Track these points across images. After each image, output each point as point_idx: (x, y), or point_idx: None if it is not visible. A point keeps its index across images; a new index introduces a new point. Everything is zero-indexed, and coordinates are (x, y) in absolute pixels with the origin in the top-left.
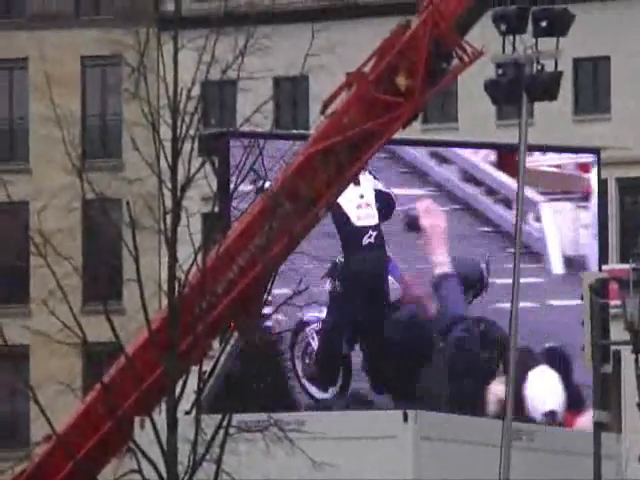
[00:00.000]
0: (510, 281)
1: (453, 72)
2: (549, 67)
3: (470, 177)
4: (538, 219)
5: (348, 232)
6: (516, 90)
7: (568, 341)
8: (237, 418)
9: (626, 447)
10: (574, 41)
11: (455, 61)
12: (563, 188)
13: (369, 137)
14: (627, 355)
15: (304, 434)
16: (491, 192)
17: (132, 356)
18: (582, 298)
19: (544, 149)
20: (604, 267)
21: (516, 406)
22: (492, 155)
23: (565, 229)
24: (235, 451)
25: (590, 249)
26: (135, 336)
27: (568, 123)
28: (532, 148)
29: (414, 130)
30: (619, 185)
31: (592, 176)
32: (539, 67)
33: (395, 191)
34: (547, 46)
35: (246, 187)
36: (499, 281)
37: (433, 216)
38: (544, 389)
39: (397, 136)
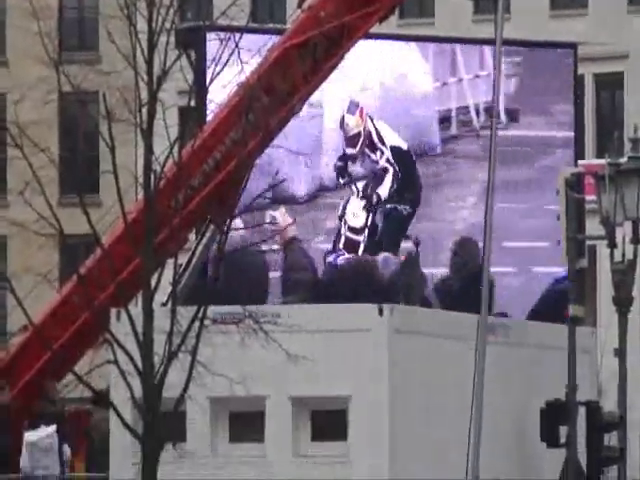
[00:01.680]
0: None
1: None
2: None
3: None
4: None
5: None
6: None
7: None
8: (212, 310)
9: (601, 341)
10: None
11: None
12: None
13: (346, 31)
14: (602, 250)
15: (279, 326)
16: None
17: (108, 248)
18: (558, 193)
19: (520, 44)
20: (580, 162)
21: None
22: None
23: None
24: (210, 342)
25: None
26: (111, 228)
27: (545, 18)
28: (508, 43)
29: (391, 25)
30: (596, 80)
31: None
32: None
33: None
34: None
35: (222, 80)
36: None
37: None
38: None
39: (374, 30)
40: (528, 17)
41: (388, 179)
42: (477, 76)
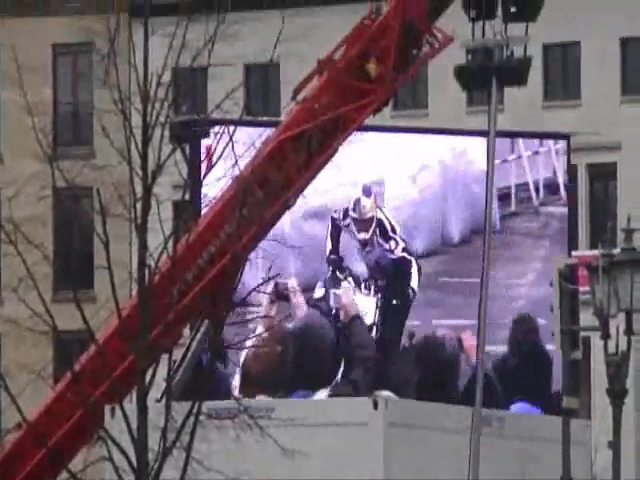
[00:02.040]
0: None
1: (424, 58)
2: (519, 53)
3: None
4: None
5: None
6: (486, 76)
7: None
8: (207, 405)
9: (595, 433)
10: (544, 26)
11: (425, 47)
12: None
13: (340, 123)
14: (596, 341)
15: (274, 421)
16: None
17: (102, 344)
18: (552, 284)
19: (514, 135)
20: (574, 253)
21: None
22: None
23: None
24: (205, 438)
25: None
26: (106, 324)
27: (538, 109)
28: (502, 134)
29: (385, 116)
30: (589, 171)
31: None
32: (509, 53)
33: None
34: (517, 32)
35: (217, 174)
36: None
37: None
38: None
39: (368, 122)
40: (521, 108)
41: (414, 270)
42: (536, 152)
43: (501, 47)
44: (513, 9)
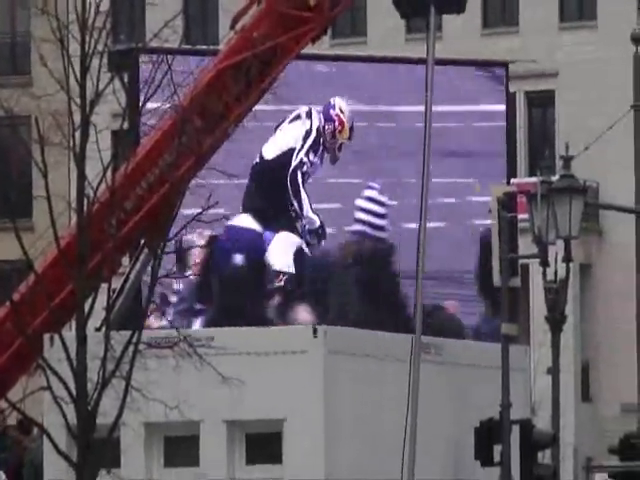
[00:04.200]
0: None
1: None
2: None
3: None
4: None
5: None
6: (424, 4)
7: None
8: (146, 334)
9: (534, 360)
10: None
11: None
12: None
13: (279, 52)
14: (535, 268)
15: (213, 349)
16: None
17: (41, 273)
18: (490, 211)
19: (452, 63)
20: (512, 180)
21: None
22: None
23: None
24: (145, 367)
25: None
26: (44, 254)
27: (477, 37)
28: (440, 62)
29: (323, 45)
30: (527, 98)
31: None
32: None
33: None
34: None
35: (155, 103)
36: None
37: None
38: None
39: (306, 51)
40: (460, 36)
41: None
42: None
43: None
44: None
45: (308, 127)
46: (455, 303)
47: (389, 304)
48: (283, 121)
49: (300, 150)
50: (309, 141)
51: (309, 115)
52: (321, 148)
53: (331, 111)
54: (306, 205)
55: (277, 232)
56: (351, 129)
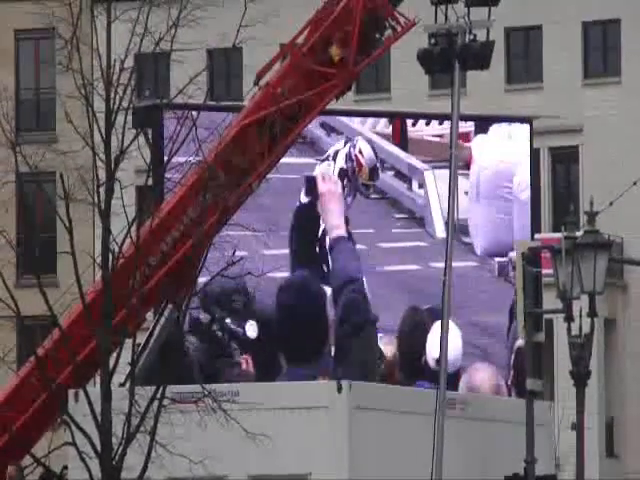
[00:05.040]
0: (395, 245)
1: (386, 42)
2: (481, 37)
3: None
4: (421, 185)
5: None
6: (449, 60)
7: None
8: (171, 389)
9: (558, 415)
10: (506, 10)
11: (388, 31)
12: (444, 156)
13: (303, 108)
14: (559, 323)
15: (238, 405)
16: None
17: (66, 329)
18: (515, 267)
19: (477, 119)
20: (537, 236)
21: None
22: (379, 124)
23: (446, 195)
24: (169, 422)
25: (471, 213)
26: (69, 309)
27: (501, 93)
28: (465, 118)
29: (347, 100)
30: (551, 154)
31: (473, 145)
32: (471, 37)
33: (290, 160)
34: (479, 15)
35: (180, 159)
36: (384, 245)
37: (329, 182)
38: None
39: (331, 107)
40: (484, 92)
41: None
42: None
43: (464, 31)
44: None
45: (332, 169)
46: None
47: None
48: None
49: None
50: None
51: (335, 156)
52: (348, 187)
53: (351, 150)
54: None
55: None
56: (372, 170)
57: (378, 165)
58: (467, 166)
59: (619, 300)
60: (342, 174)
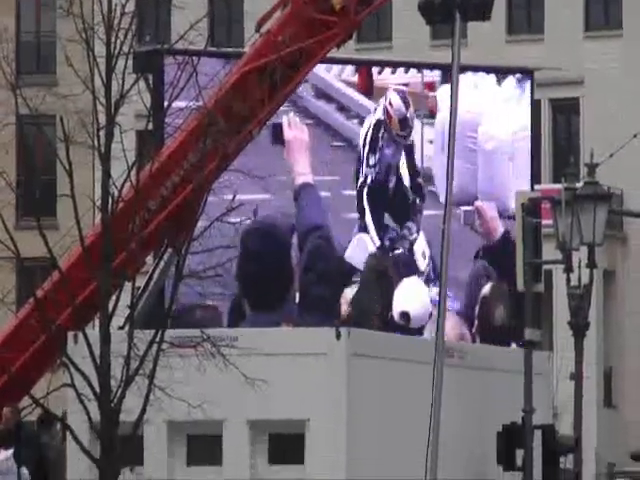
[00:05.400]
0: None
1: None
2: None
3: (323, 94)
4: None
5: None
6: (449, 10)
7: None
8: (170, 333)
9: (557, 365)
10: None
11: None
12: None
13: (303, 56)
14: (559, 274)
15: (237, 350)
16: (343, 109)
17: (66, 271)
18: (514, 217)
19: (477, 70)
20: (536, 187)
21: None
22: (345, 72)
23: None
24: (168, 366)
25: (436, 162)
26: (69, 252)
27: (502, 44)
28: (465, 68)
29: (348, 49)
30: (552, 105)
31: (438, 94)
32: None
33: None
34: None
35: (180, 104)
36: (346, 192)
37: (296, 129)
38: (407, 292)
39: (331, 55)
40: (485, 43)
41: None
42: None
43: None
44: None
45: (370, 122)
46: None
47: None
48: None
49: (361, 165)
50: (367, 145)
51: (375, 110)
52: (384, 138)
53: (384, 102)
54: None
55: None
56: (402, 121)
57: (408, 116)
58: (432, 115)
59: (618, 252)
60: (378, 125)
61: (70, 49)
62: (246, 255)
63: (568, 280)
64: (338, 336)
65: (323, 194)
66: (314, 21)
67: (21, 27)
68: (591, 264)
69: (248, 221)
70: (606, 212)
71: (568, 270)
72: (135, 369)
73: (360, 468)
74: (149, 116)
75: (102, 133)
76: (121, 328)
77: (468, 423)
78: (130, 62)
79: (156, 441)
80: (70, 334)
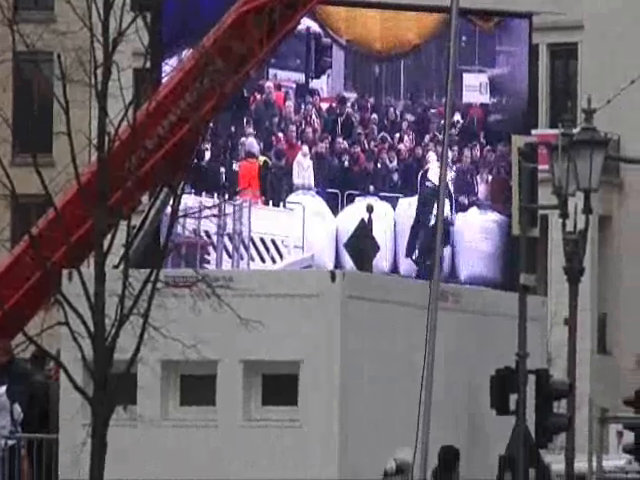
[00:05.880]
0: None
1: None
2: None
3: None
4: None
5: None
6: None
7: None
8: (165, 272)
9: (551, 310)
10: None
11: None
12: None
13: None
14: (554, 220)
15: (232, 290)
16: None
17: (61, 209)
18: (511, 162)
19: (476, 13)
20: (534, 132)
21: None
22: None
23: None
24: (162, 305)
25: None
26: (64, 189)
27: None
28: (466, 12)
29: None
30: (550, 50)
31: None
32: None
33: None
34: None
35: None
36: None
37: None
38: None
39: None
40: None
41: None
42: None
43: None
44: None
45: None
46: None
47: None
48: None
49: None
50: None
51: None
52: None
53: None
54: None
55: None
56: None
57: None
58: None
59: (614, 198)
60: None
61: None
62: None
63: (564, 225)
64: (333, 278)
65: None
66: None
67: None
68: (587, 210)
69: None
70: (603, 158)
71: (564, 215)
72: (129, 308)
73: (353, 410)
74: (147, 54)
75: (99, 71)
76: (116, 267)
77: (462, 367)
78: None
79: (150, 380)
80: (65, 272)
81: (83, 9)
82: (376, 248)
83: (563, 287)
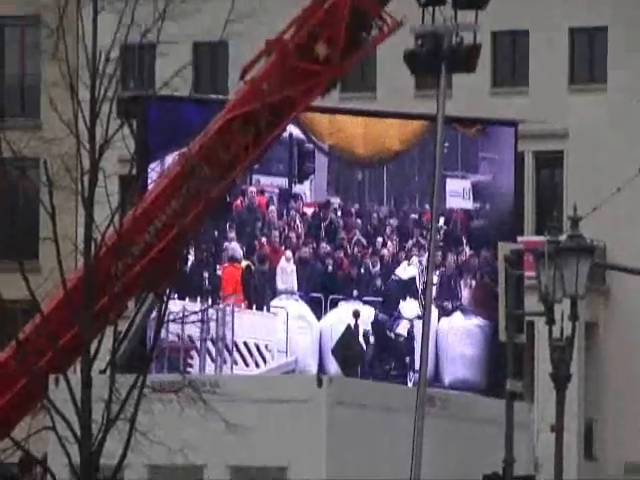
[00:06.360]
0: None
1: (372, 42)
2: (468, 39)
3: None
4: None
5: None
6: (435, 61)
7: None
8: (151, 378)
9: (538, 416)
10: (493, 14)
11: (375, 31)
12: None
13: (288, 104)
14: (541, 326)
15: (218, 396)
16: None
17: (47, 314)
18: (496, 267)
19: (462, 121)
20: (520, 238)
21: None
22: None
23: None
24: (149, 411)
25: None
26: (51, 295)
27: (486, 96)
28: (450, 120)
29: (333, 98)
30: (536, 158)
31: None
32: (458, 39)
33: None
34: (466, 18)
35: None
36: None
37: None
38: None
39: (316, 104)
40: (469, 94)
41: None
42: None
43: (450, 34)
44: None
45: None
46: None
47: None
48: None
49: None
50: None
51: None
52: None
53: None
54: None
55: None
56: None
57: None
58: None
59: (600, 304)
60: None
61: (54, 93)
62: None
63: (550, 332)
64: (319, 383)
65: None
66: (298, 70)
67: (5, 70)
68: (573, 317)
69: None
70: (589, 265)
71: (550, 322)
72: (116, 413)
73: None
74: (132, 161)
75: (86, 178)
76: (102, 372)
77: (449, 473)
78: (114, 107)
79: None
80: (51, 377)
81: (69, 116)
82: (362, 353)
83: (550, 393)
